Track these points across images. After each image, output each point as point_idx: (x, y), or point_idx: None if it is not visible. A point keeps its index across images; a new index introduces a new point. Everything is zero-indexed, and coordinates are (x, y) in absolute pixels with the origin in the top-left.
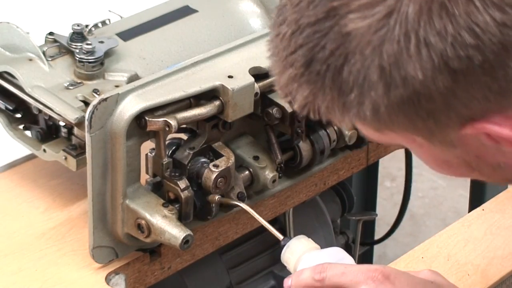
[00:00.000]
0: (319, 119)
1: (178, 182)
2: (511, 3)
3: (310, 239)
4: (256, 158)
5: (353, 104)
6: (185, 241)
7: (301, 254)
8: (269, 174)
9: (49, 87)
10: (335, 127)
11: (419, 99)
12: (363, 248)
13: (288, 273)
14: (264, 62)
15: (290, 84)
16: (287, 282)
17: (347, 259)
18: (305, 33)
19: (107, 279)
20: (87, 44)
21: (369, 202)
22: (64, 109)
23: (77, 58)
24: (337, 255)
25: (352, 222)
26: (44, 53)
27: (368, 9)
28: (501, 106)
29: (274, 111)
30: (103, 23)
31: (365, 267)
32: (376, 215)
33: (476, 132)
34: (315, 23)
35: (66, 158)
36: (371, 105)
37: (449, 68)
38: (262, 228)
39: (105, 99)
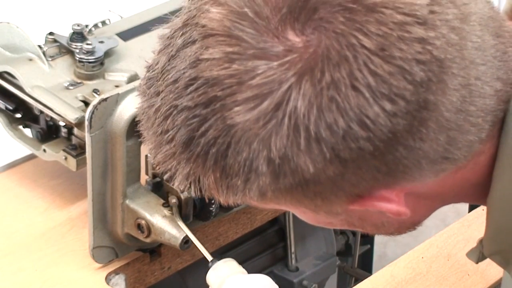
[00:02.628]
0: (201, 196)
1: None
2: (400, 93)
3: (238, 264)
4: None
5: (239, 189)
6: (185, 241)
7: (226, 276)
8: None
9: (49, 87)
10: None
11: (308, 185)
12: (363, 248)
13: (288, 273)
14: None
15: (168, 161)
16: None
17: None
18: (183, 115)
19: (107, 279)
20: (87, 44)
21: None
22: (64, 109)
23: (77, 58)
24: (262, 282)
25: None
26: (44, 53)
27: (254, 102)
28: (388, 184)
29: None
30: (103, 23)
31: None
32: None
33: (362, 206)
34: (195, 108)
35: (66, 158)
36: (258, 190)
37: (340, 158)
38: (262, 229)
39: (105, 99)
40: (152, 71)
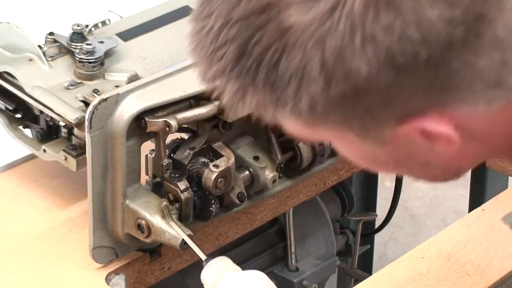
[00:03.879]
0: (250, 114)
1: (178, 183)
2: (458, 0)
3: (232, 262)
4: (256, 158)
5: (288, 100)
6: (185, 241)
7: (220, 274)
8: (269, 174)
9: (49, 87)
10: None
11: (359, 95)
12: (363, 248)
13: (288, 273)
14: None
15: (218, 79)
16: None
17: (267, 284)
18: (236, 26)
19: (107, 279)
20: (87, 44)
21: (369, 202)
22: (64, 109)
23: (77, 58)
24: (256, 279)
25: (352, 222)
26: (44, 53)
27: (311, 3)
28: (440, 103)
29: None
30: (103, 23)
31: None
32: (376, 215)
33: (412, 129)
34: (249, 16)
35: (66, 158)
36: (309, 100)
37: (393, 64)
38: (262, 229)
39: (105, 99)
40: None
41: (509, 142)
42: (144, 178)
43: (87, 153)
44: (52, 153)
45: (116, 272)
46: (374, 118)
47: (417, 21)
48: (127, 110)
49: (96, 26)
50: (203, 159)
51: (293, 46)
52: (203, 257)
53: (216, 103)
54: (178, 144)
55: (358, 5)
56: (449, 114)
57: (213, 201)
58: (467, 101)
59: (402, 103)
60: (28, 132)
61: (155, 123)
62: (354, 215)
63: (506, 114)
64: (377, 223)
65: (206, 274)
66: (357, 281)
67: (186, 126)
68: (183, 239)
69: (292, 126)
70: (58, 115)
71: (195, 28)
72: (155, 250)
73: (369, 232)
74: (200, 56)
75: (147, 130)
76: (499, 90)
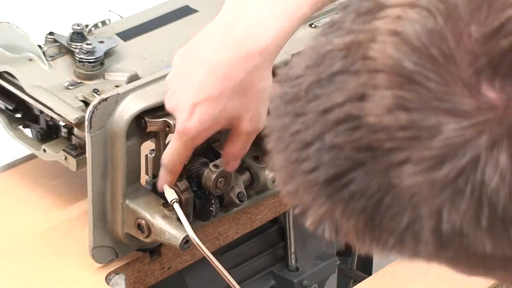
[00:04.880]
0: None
1: (178, 183)
2: None
3: None
4: (256, 158)
5: (387, 246)
6: (185, 241)
7: None
8: (269, 174)
9: (49, 87)
10: None
11: (477, 259)
12: None
13: (288, 273)
14: None
15: (302, 194)
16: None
17: None
18: (331, 154)
19: (107, 279)
20: (87, 44)
21: None
22: (64, 109)
23: (77, 58)
24: None
25: None
26: (44, 53)
27: (433, 164)
28: None
29: None
30: (103, 23)
31: None
32: None
33: None
34: (348, 150)
35: (66, 158)
36: (411, 253)
37: None
38: (262, 228)
39: (105, 99)
40: (292, 85)
41: None
42: (144, 178)
43: (87, 153)
44: (52, 153)
45: (116, 272)
46: (489, 271)
47: None
48: (127, 110)
49: (96, 26)
50: (203, 159)
51: (400, 203)
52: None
53: None
54: None
55: (490, 177)
56: None
57: (213, 201)
58: None
59: None
60: (28, 132)
61: (155, 123)
62: None
63: None
64: None
65: None
66: (357, 281)
67: None
68: (183, 239)
69: None
70: (58, 115)
71: (274, 119)
72: (155, 250)
73: None
74: (280, 157)
75: (147, 130)
76: None
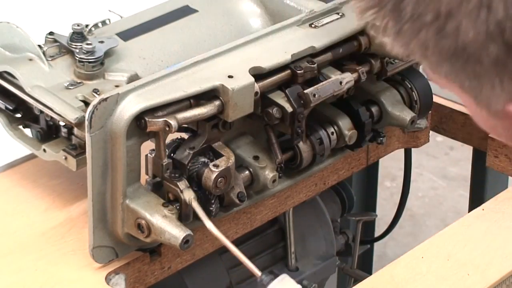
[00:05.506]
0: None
1: (178, 183)
2: None
3: (292, 279)
4: (256, 158)
5: (406, 34)
6: (185, 241)
7: None
8: (269, 174)
9: (49, 87)
10: (335, 127)
11: (468, 59)
12: (363, 248)
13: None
14: (264, 62)
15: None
16: None
17: None
18: None
19: (107, 279)
20: (87, 44)
21: (369, 202)
22: (64, 109)
23: (77, 58)
24: None
25: (352, 222)
26: (44, 53)
27: None
28: None
29: (274, 111)
30: (103, 23)
31: None
32: (376, 215)
33: None
34: None
35: (66, 158)
36: (421, 42)
37: (503, 39)
38: (262, 228)
39: (105, 99)
40: None
41: None
42: (144, 177)
43: (87, 153)
44: (52, 153)
45: (116, 271)
46: (483, 86)
47: None
48: (127, 110)
49: (96, 26)
50: (203, 159)
51: None
52: (258, 273)
53: (216, 103)
54: (178, 144)
55: None
56: None
57: (213, 201)
58: None
59: (510, 83)
60: (28, 132)
61: (155, 123)
62: (354, 215)
63: None
64: (378, 225)
65: None
66: (357, 281)
67: (186, 125)
68: (183, 239)
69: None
70: (58, 114)
71: None
72: (155, 250)
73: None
74: None
75: (147, 130)
76: None
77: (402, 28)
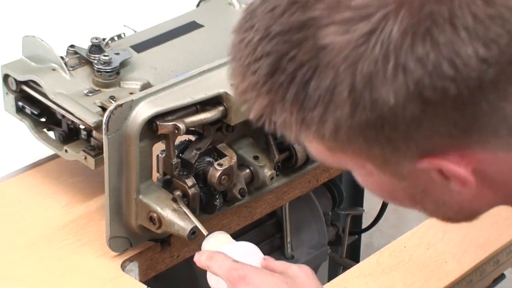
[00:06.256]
0: (274, 131)
1: (186, 180)
2: (495, 39)
3: (226, 233)
4: (256, 157)
5: (314, 122)
6: (192, 232)
7: (219, 245)
8: (267, 172)
9: (70, 94)
10: None
11: (383, 125)
12: (351, 238)
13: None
14: None
15: (249, 92)
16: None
17: (256, 253)
18: (274, 41)
19: (122, 266)
20: (104, 55)
21: (357, 197)
22: (83, 114)
23: (95, 68)
24: (246, 249)
25: (342, 215)
26: (65, 63)
27: (350, 24)
28: (462, 144)
29: None
30: (119, 36)
31: (231, 265)
32: (363, 210)
33: (430, 167)
34: (288, 32)
35: (85, 158)
36: (333, 124)
37: (421, 97)
38: (261, 221)
39: (121, 105)
40: (250, 8)
41: None
42: (155, 175)
43: (104, 153)
44: (73, 153)
45: (130, 260)
46: (395, 150)
47: (451, 56)
48: (140, 115)
49: (112, 39)
50: (208, 159)
51: (326, 66)
52: (205, 232)
53: (220, 108)
54: (186, 145)
55: (395, 33)
56: (469, 156)
57: (217, 196)
58: (489, 146)
59: (424, 139)
60: (51, 134)
61: (165, 126)
62: (343, 209)
63: None
64: (365, 218)
65: (207, 244)
66: (346, 268)
67: (193, 129)
68: (190, 230)
69: (315, 148)
70: (78, 119)
71: (235, 39)
72: (165, 240)
73: (358, 230)
74: (236, 68)
75: (158, 133)
76: None
77: (308, 115)
